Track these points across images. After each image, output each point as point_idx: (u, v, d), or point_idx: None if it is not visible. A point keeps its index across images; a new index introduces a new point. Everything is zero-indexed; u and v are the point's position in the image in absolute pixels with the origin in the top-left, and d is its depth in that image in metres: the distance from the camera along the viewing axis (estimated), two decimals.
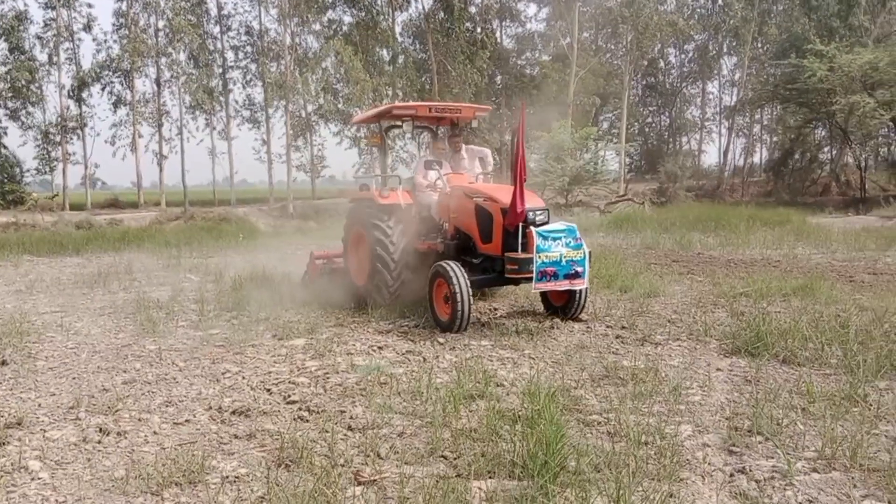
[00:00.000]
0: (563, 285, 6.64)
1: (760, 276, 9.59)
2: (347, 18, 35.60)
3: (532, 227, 6.62)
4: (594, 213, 25.03)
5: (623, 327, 6.96)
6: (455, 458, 3.72)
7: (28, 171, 32.00)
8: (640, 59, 40.56)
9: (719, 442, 3.92)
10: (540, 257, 6.43)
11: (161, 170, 32.96)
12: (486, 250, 7.21)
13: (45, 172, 32.47)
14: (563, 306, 7.42)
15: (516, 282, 7.10)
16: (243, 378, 5.42)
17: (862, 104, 26.42)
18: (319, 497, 3.16)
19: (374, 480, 3.47)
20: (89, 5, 32.89)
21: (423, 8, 35.12)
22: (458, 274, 6.74)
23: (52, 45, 31.10)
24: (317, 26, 34.72)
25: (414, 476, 3.46)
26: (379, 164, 9.15)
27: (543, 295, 7.68)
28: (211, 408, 4.69)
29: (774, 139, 43.37)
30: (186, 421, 4.45)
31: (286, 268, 10.68)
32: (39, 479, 3.57)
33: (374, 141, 8.82)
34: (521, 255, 6.60)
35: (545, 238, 6.53)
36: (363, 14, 34.88)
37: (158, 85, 32.45)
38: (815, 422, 4.13)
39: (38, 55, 31.28)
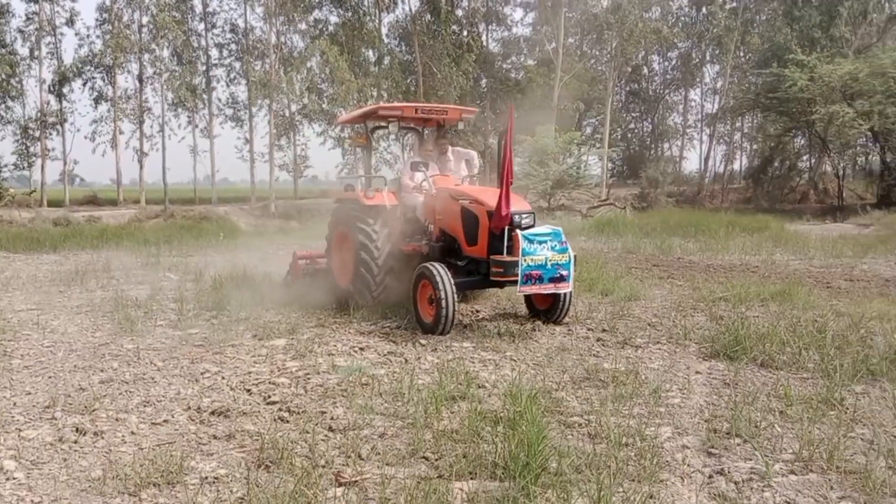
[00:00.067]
0: (547, 288, 6.64)
1: (739, 281, 9.68)
2: (334, 18, 35.50)
3: (518, 231, 6.61)
4: (576, 217, 25.15)
5: (604, 330, 7.00)
6: (437, 460, 3.72)
7: (6, 166, 31.51)
8: (625, 66, 40.75)
9: (698, 444, 3.95)
10: (525, 260, 6.42)
11: (141, 167, 32.63)
12: (472, 253, 7.19)
13: (23, 168, 31.99)
14: (547, 310, 7.43)
15: (501, 284, 7.08)
16: (223, 378, 5.38)
17: (841, 114, 26.76)
18: (300, 498, 3.15)
19: (356, 481, 3.46)
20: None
21: (410, 10, 35.17)
22: (443, 276, 6.72)
23: (33, 39, 30.70)
24: (303, 25, 34.58)
25: (395, 477, 3.45)
26: (363, 165, 9.12)
27: (527, 298, 7.67)
28: (190, 408, 4.64)
29: (754, 147, 43.85)
30: (165, 421, 4.40)
31: (267, 267, 10.60)
32: (15, 479, 3.52)
33: (359, 141, 8.78)
34: (506, 257, 6.61)
35: (531, 241, 6.52)
36: (349, 14, 34.77)
37: (141, 81, 32.11)
38: (793, 425, 4.17)
39: (19, 49, 30.85)
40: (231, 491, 3.37)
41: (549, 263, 6.52)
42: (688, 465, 3.66)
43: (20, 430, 4.18)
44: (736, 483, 3.43)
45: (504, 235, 6.68)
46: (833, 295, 8.87)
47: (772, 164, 38.02)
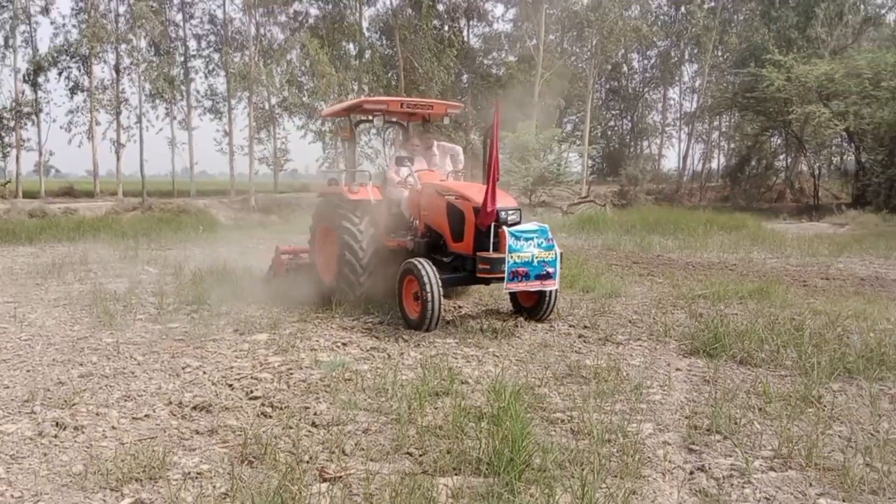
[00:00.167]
0: (534, 286, 6.62)
1: (718, 278, 9.80)
2: (314, 11, 35.29)
3: (504, 227, 6.58)
4: (557, 213, 25.25)
5: (585, 327, 7.05)
6: (421, 455, 3.73)
7: None
8: (605, 63, 40.98)
9: (679, 440, 4.00)
10: (512, 257, 6.39)
11: (118, 158, 32.20)
12: (457, 249, 7.15)
13: None
14: (532, 307, 7.40)
15: (487, 281, 7.06)
16: (204, 373, 5.34)
17: (817, 114, 27.14)
18: (285, 494, 3.14)
19: (340, 477, 3.46)
20: None
21: (391, 3, 35.02)
22: (429, 272, 6.67)
23: (8, 27, 30.08)
24: (283, 17, 34.32)
25: (380, 473, 3.46)
26: (345, 159, 9.06)
27: (513, 296, 7.63)
28: (171, 403, 4.61)
29: (732, 146, 44.30)
30: (146, 416, 4.36)
31: (248, 262, 10.54)
32: None
33: (344, 135, 8.72)
34: (493, 254, 6.58)
35: (517, 238, 6.50)
36: (330, 7, 34.59)
37: (117, 72, 31.63)
38: (772, 422, 4.24)
39: None
40: (214, 486, 3.36)
41: (535, 260, 6.52)
42: (669, 462, 3.70)
43: None
44: (716, 479, 3.48)
45: (490, 232, 6.65)
46: (810, 293, 9.01)
47: (749, 163, 38.48)
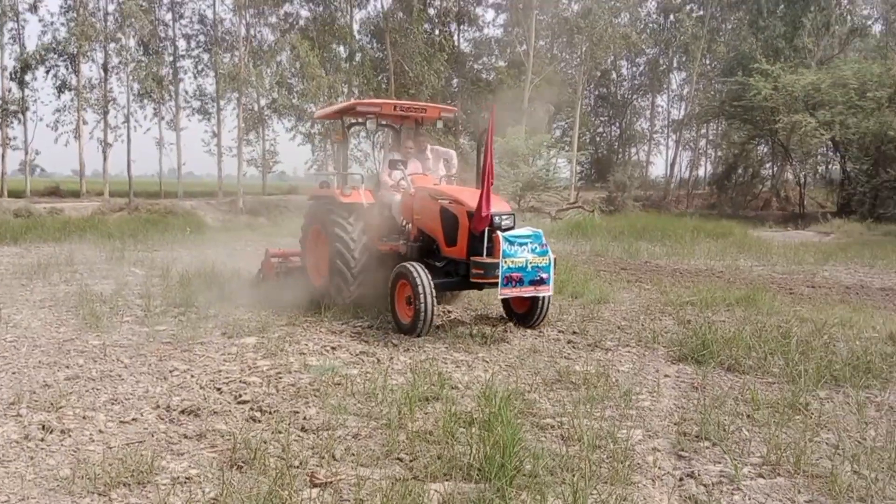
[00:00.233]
0: (528, 291, 6.57)
1: (705, 285, 9.85)
2: (304, 13, 35.23)
3: (498, 232, 6.53)
4: (545, 219, 25.30)
5: (574, 332, 7.07)
6: (411, 461, 3.72)
7: None
8: (594, 70, 41.21)
9: (669, 447, 4.02)
10: (506, 262, 6.35)
11: (105, 158, 31.91)
12: (450, 253, 7.09)
13: None
14: (525, 313, 7.34)
15: (480, 286, 6.98)
16: (192, 376, 5.30)
17: (804, 123, 27.37)
18: (275, 499, 3.12)
19: (330, 482, 3.44)
20: None
21: (382, 7, 35.04)
22: (422, 276, 6.62)
23: None
24: (273, 19, 34.20)
25: (370, 478, 3.45)
26: (337, 162, 9.02)
27: (505, 302, 7.57)
28: (159, 406, 4.57)
29: (719, 154, 44.64)
30: (133, 419, 4.33)
31: (236, 264, 10.49)
32: None
33: (336, 138, 8.67)
34: (486, 259, 6.52)
35: (511, 243, 6.45)
36: (321, 9, 34.54)
37: (106, 71, 31.40)
38: (760, 428, 4.27)
39: None
40: (203, 491, 3.33)
41: (529, 266, 6.48)
42: (659, 468, 3.71)
43: None
44: (706, 486, 3.50)
45: (484, 237, 6.59)
46: (796, 301, 9.08)
47: (736, 170, 38.79)
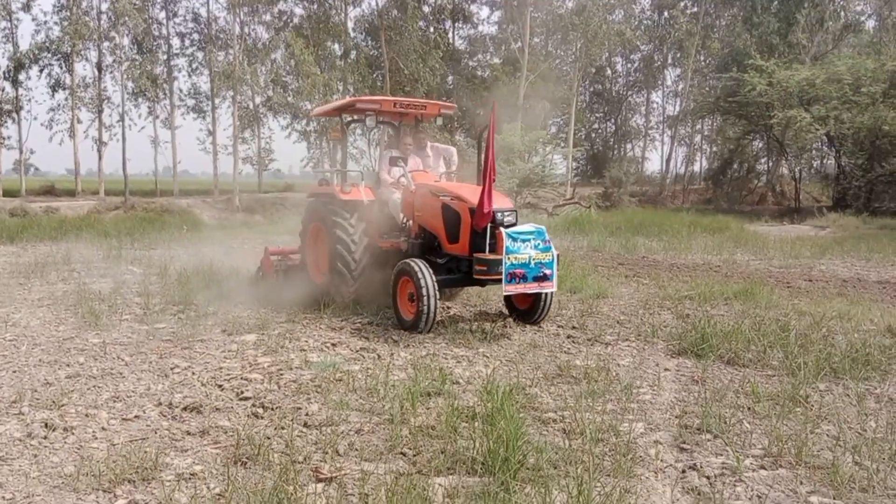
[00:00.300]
0: (532, 288, 6.52)
1: (703, 280, 9.87)
2: (299, 10, 35.15)
3: (501, 228, 6.49)
4: (542, 215, 25.32)
5: (574, 327, 7.09)
6: (415, 455, 3.73)
7: None
8: (589, 67, 41.18)
9: (670, 439, 4.04)
10: (509, 259, 6.30)
11: (100, 157, 31.82)
12: (452, 250, 7.04)
13: None
14: (527, 310, 7.29)
15: (483, 283, 6.91)
16: (193, 374, 5.30)
17: (798, 119, 27.45)
18: (280, 493, 3.12)
19: (335, 477, 3.45)
20: None
21: (377, 4, 34.96)
22: (425, 273, 6.58)
23: None
24: (267, 16, 34.11)
25: (374, 473, 3.46)
26: (334, 159, 9.01)
27: (507, 298, 7.50)
28: (161, 403, 4.57)
29: (714, 149, 44.70)
30: (136, 417, 4.33)
31: (233, 262, 10.48)
32: None
33: (335, 135, 8.64)
34: (489, 255, 6.47)
35: (514, 239, 6.41)
36: (315, 7, 34.47)
37: (100, 69, 31.32)
38: (761, 421, 4.29)
39: None
40: (208, 487, 3.33)
41: (532, 262, 6.44)
42: (661, 461, 3.73)
43: None
44: (708, 478, 3.52)
45: (487, 233, 6.55)
46: (794, 294, 9.11)
47: (731, 166, 38.92)
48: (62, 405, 4.44)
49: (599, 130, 52.96)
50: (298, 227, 8.96)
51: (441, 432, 4.00)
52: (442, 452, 3.70)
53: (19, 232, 15.95)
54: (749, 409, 4.52)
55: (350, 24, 35.76)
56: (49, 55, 30.52)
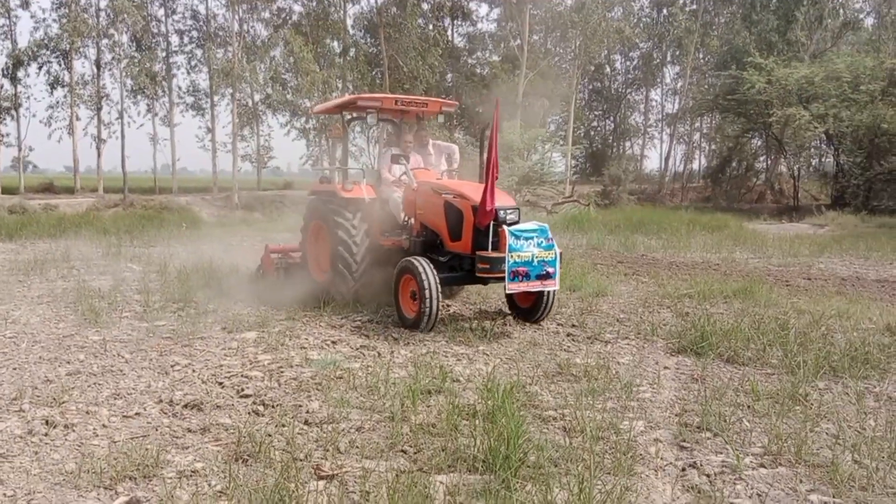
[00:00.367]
0: (534, 286, 6.49)
1: (702, 278, 9.89)
2: (298, 8, 35.09)
3: (504, 226, 6.47)
4: (541, 213, 25.31)
5: (573, 325, 7.10)
6: (415, 453, 3.74)
7: None
8: (588, 64, 41.17)
9: (670, 437, 4.05)
10: (512, 257, 6.28)
11: (99, 154, 31.78)
12: (455, 248, 7.01)
13: None
14: (529, 308, 7.26)
15: (486, 281, 6.91)
16: (193, 371, 5.31)
17: (797, 116, 27.45)
18: (281, 491, 3.13)
19: (336, 474, 3.46)
20: None
21: (376, 1, 34.91)
22: (427, 271, 6.56)
23: None
24: (266, 14, 34.06)
25: (376, 470, 3.46)
26: (334, 157, 9.02)
27: (509, 297, 7.47)
28: (161, 401, 4.58)
29: (713, 147, 44.72)
30: (136, 414, 4.33)
31: (233, 259, 10.48)
32: None
33: (336, 133, 8.63)
34: (492, 253, 6.46)
35: (517, 237, 6.39)
36: (314, 4, 34.42)
37: (98, 67, 31.25)
38: (761, 419, 4.30)
39: None
40: (210, 484, 3.34)
41: (535, 260, 6.41)
42: (661, 459, 3.74)
43: None
44: (708, 476, 3.53)
45: (489, 231, 6.54)
46: (793, 293, 9.13)
47: (730, 164, 38.90)
48: (63, 402, 4.45)
49: (598, 128, 52.99)
50: (298, 225, 8.95)
51: (442, 430, 4.00)
52: (443, 450, 3.71)
53: (18, 229, 15.94)
54: (749, 407, 4.53)
55: (349, 22, 35.77)
56: (48, 52, 30.44)
